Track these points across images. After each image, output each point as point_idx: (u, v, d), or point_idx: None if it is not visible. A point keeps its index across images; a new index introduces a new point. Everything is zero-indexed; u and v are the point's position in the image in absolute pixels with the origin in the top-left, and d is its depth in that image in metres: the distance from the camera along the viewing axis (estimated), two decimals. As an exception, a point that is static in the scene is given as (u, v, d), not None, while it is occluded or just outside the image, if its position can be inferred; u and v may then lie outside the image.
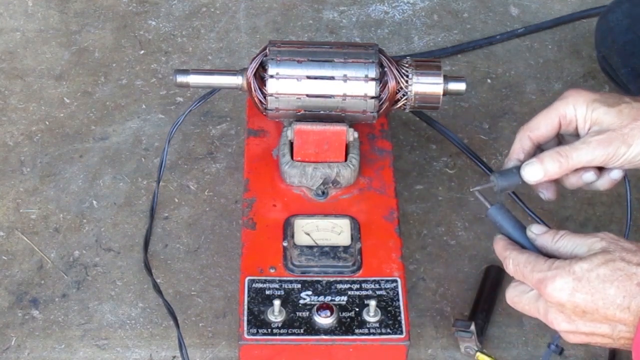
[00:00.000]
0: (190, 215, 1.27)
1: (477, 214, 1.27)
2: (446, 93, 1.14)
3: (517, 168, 1.02)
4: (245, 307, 1.02)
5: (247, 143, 1.20)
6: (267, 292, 1.04)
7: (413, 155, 1.34)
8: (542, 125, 1.03)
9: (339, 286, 1.04)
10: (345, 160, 1.14)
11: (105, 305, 1.18)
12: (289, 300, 1.03)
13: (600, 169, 1.02)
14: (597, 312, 0.88)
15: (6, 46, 1.48)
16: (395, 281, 1.05)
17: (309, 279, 1.05)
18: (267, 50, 1.12)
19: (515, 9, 1.56)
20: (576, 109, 1.01)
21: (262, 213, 1.12)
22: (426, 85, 1.13)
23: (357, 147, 1.14)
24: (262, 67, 1.12)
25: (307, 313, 1.02)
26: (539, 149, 1.04)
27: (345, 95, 1.11)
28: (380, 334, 1.01)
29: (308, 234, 1.09)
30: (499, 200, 0.99)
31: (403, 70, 1.13)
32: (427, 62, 1.15)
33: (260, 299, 1.03)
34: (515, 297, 0.94)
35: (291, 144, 1.14)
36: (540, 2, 1.57)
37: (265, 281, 1.05)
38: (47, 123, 1.37)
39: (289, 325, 1.01)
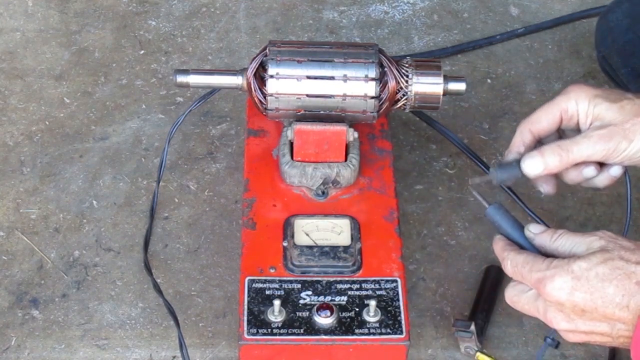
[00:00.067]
0: (190, 215, 1.27)
1: (477, 214, 1.27)
2: (446, 93, 1.14)
3: (517, 161, 1.02)
4: (245, 307, 1.02)
5: (247, 143, 1.20)
6: (267, 292, 1.04)
7: (413, 155, 1.34)
8: (544, 119, 1.03)
9: (339, 286, 1.04)
10: (345, 160, 1.14)
11: (105, 305, 1.18)
12: (289, 300, 1.03)
13: (601, 165, 1.02)
14: (596, 310, 0.88)
15: (6, 46, 1.48)
16: (395, 281, 1.05)
17: (309, 279, 1.05)
18: (267, 50, 1.12)
19: (515, 9, 1.56)
20: (578, 104, 1.01)
21: (262, 213, 1.12)
22: (426, 85, 1.13)
23: (357, 147, 1.14)
24: (262, 67, 1.12)
25: (307, 313, 1.02)
26: (539, 143, 1.04)
27: (345, 95, 1.11)
28: (380, 334, 1.01)
29: (308, 234, 1.09)
30: (497, 199, 0.99)
31: (403, 70, 1.13)
32: (427, 62, 1.15)
33: (260, 299, 1.03)
34: (514, 296, 0.94)
35: (291, 144, 1.14)
36: (540, 2, 1.57)
37: (265, 281, 1.05)
38: (47, 123, 1.37)
39: (289, 325, 1.01)
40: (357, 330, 1.01)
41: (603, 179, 1.04)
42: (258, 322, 1.01)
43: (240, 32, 1.51)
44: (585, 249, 0.90)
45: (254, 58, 1.13)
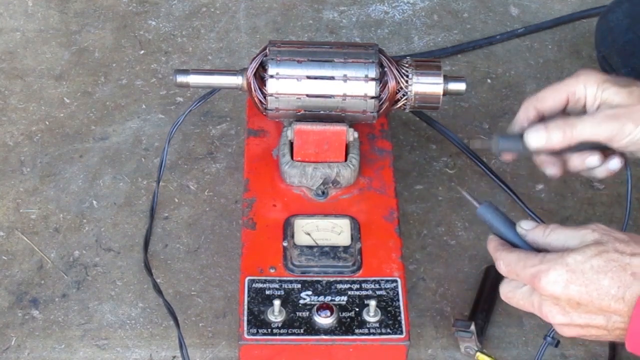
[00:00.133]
0: (190, 215, 1.27)
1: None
2: (446, 93, 1.14)
3: (521, 134, 1.01)
4: (245, 307, 1.02)
5: (247, 143, 1.20)
6: (267, 292, 1.04)
7: (413, 155, 1.34)
8: (550, 99, 1.03)
9: (339, 286, 1.04)
10: (345, 160, 1.14)
11: (105, 305, 1.18)
12: (289, 300, 1.03)
13: (604, 155, 1.02)
14: (591, 303, 0.88)
15: (6, 46, 1.48)
16: (395, 281, 1.05)
17: (309, 279, 1.05)
18: (267, 50, 1.12)
19: (515, 9, 1.56)
20: (586, 87, 1.00)
21: (262, 213, 1.12)
22: (426, 85, 1.13)
23: (357, 147, 1.14)
24: (262, 67, 1.12)
25: (307, 313, 1.02)
26: (542, 121, 1.04)
27: (345, 95, 1.11)
28: (380, 334, 1.01)
29: (308, 234, 1.09)
30: (487, 199, 0.99)
31: (403, 70, 1.13)
32: (427, 62, 1.15)
33: (260, 299, 1.03)
34: (509, 292, 0.94)
35: (291, 144, 1.14)
36: (540, 2, 1.57)
37: (265, 281, 1.05)
38: (47, 123, 1.37)
39: (289, 325, 1.01)
40: (357, 330, 1.01)
41: (602, 170, 1.04)
42: (258, 322, 1.01)
43: (240, 32, 1.51)
44: (578, 243, 0.90)
45: (254, 58, 1.13)
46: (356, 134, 1.13)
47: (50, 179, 1.30)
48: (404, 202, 1.27)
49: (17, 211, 1.27)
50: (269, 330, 1.00)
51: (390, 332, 1.01)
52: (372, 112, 1.13)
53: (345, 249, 1.07)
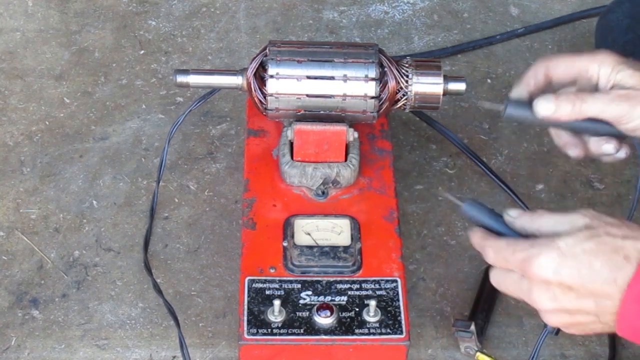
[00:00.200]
0: (190, 215, 1.27)
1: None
2: (446, 93, 1.14)
3: (530, 102, 1.01)
4: (245, 307, 1.02)
5: (247, 143, 1.20)
6: (267, 292, 1.04)
7: (413, 155, 1.34)
8: (562, 67, 1.02)
9: (339, 286, 1.04)
10: (345, 160, 1.14)
11: (105, 305, 1.18)
12: (289, 300, 1.03)
13: (620, 143, 1.02)
14: (583, 287, 0.87)
15: (6, 46, 1.48)
16: (395, 281, 1.05)
17: (309, 279, 1.05)
18: (267, 50, 1.12)
19: (515, 9, 1.56)
20: (601, 67, 1.00)
21: (262, 213, 1.12)
22: (426, 85, 1.13)
23: (357, 147, 1.14)
24: (262, 67, 1.12)
25: (307, 313, 1.02)
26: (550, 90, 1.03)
27: (345, 95, 1.11)
28: (380, 334, 1.01)
29: (308, 234, 1.09)
30: (467, 198, 0.99)
31: (403, 70, 1.13)
32: (427, 62, 1.15)
33: (260, 299, 1.03)
34: (499, 277, 0.93)
35: (291, 144, 1.14)
36: (540, 2, 1.57)
37: (265, 281, 1.05)
38: (47, 123, 1.37)
39: (289, 325, 1.01)
40: (357, 330, 1.01)
41: (608, 158, 1.04)
42: (258, 322, 1.01)
43: (240, 32, 1.51)
44: (569, 227, 0.89)
45: (254, 58, 1.13)
46: (356, 134, 1.13)
47: (50, 179, 1.30)
48: (404, 202, 1.27)
49: (17, 211, 1.27)
50: (269, 330, 1.00)
51: (390, 332, 1.01)
52: (372, 112, 1.13)
53: (345, 249, 1.07)
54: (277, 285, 1.04)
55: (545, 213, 0.92)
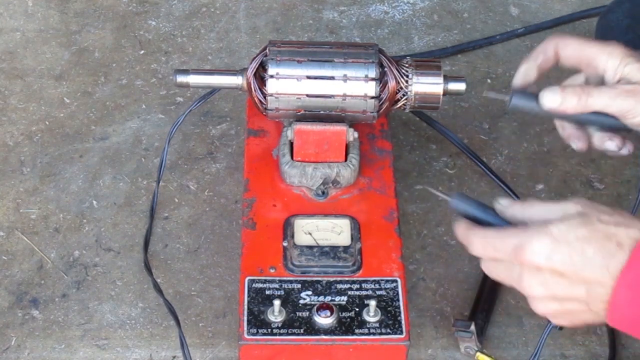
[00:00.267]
0: (190, 215, 1.27)
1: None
2: (446, 93, 1.14)
3: (537, 94, 1.01)
4: (245, 307, 1.02)
5: (247, 143, 1.20)
6: (267, 292, 1.04)
7: (413, 155, 1.34)
8: (571, 49, 1.02)
9: (339, 286, 1.04)
10: (345, 160, 1.14)
11: (105, 305, 1.18)
12: (289, 300, 1.03)
13: (623, 140, 1.02)
14: (575, 273, 0.86)
15: (6, 46, 1.48)
16: (395, 281, 1.05)
17: (309, 279, 1.05)
18: (267, 50, 1.12)
19: (515, 9, 1.56)
20: (609, 59, 1.00)
21: (262, 213, 1.12)
22: (426, 85, 1.13)
23: (357, 147, 1.14)
24: (262, 67, 1.12)
25: (307, 313, 1.02)
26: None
27: (345, 95, 1.11)
28: (380, 334, 1.01)
29: (308, 234, 1.09)
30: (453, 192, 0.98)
31: (403, 70, 1.13)
32: (427, 62, 1.15)
33: (260, 299, 1.03)
34: (489, 266, 0.93)
35: (291, 144, 1.14)
36: (540, 2, 1.57)
37: (265, 281, 1.05)
38: (47, 123, 1.37)
39: (289, 325, 1.01)
40: (357, 330, 1.01)
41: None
42: (258, 322, 1.01)
43: (240, 32, 1.51)
44: (560, 215, 0.88)
45: (254, 58, 1.13)
46: (356, 134, 1.13)
47: (50, 179, 1.30)
48: (404, 202, 1.27)
49: (17, 211, 1.27)
50: (269, 330, 1.00)
51: (390, 332, 1.01)
52: (372, 112, 1.13)
53: (345, 249, 1.07)
54: (277, 285, 1.04)
55: (536, 202, 0.92)
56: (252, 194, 1.14)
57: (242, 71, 1.14)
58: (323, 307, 1.02)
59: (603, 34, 1.39)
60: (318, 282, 1.05)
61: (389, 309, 1.02)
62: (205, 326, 1.16)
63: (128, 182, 1.30)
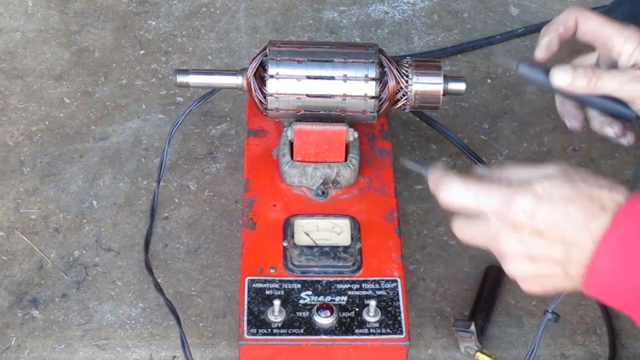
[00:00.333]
0: (190, 215, 1.27)
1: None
2: (446, 93, 1.14)
3: (547, 69, 1.02)
4: (245, 307, 1.02)
5: (247, 143, 1.20)
6: (267, 292, 1.04)
7: (413, 155, 1.34)
8: (590, 25, 1.02)
9: (339, 286, 1.04)
10: (345, 160, 1.14)
11: (105, 305, 1.18)
12: (289, 300, 1.03)
13: (624, 127, 1.02)
14: (555, 232, 0.85)
15: (6, 46, 1.48)
16: (395, 281, 1.05)
17: (309, 279, 1.05)
18: (267, 50, 1.12)
19: (515, 9, 1.56)
20: (626, 42, 1.00)
21: (262, 213, 1.12)
22: (426, 85, 1.13)
23: (357, 147, 1.14)
24: (262, 67, 1.12)
25: (307, 313, 1.02)
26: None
27: (345, 95, 1.11)
28: (380, 334, 1.01)
29: (308, 234, 1.09)
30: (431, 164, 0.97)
31: (403, 70, 1.13)
32: (427, 62, 1.15)
33: (260, 299, 1.03)
34: (463, 224, 0.91)
35: (291, 144, 1.14)
36: (540, 2, 1.57)
37: (265, 281, 1.05)
38: (47, 123, 1.37)
39: (289, 325, 1.01)
40: (357, 330, 1.01)
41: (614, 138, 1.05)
42: (258, 322, 1.01)
43: (240, 32, 1.51)
44: (544, 175, 0.88)
45: (254, 58, 1.13)
46: (356, 134, 1.13)
47: (50, 179, 1.30)
48: (404, 202, 1.27)
49: (17, 211, 1.27)
50: (269, 330, 1.00)
51: (390, 332, 1.01)
52: (372, 112, 1.13)
53: (345, 249, 1.07)
54: (277, 285, 1.04)
55: (517, 166, 0.91)
56: (252, 194, 1.14)
57: (242, 71, 1.14)
58: (323, 307, 1.02)
59: (603, 34, 1.39)
60: (318, 282, 1.05)
61: (389, 309, 1.02)
62: (205, 326, 1.16)
63: (128, 182, 1.30)
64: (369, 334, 1.01)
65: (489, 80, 1.45)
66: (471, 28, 1.53)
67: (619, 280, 0.84)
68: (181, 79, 1.15)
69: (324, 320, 1.01)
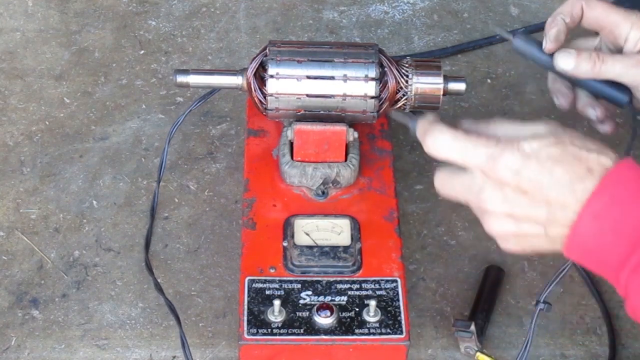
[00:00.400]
0: (190, 215, 1.27)
1: (477, 214, 1.27)
2: (446, 93, 1.14)
3: (540, 43, 1.03)
4: (245, 307, 1.02)
5: (247, 143, 1.20)
6: (267, 292, 1.04)
7: (413, 155, 1.34)
8: (596, 11, 1.02)
9: (339, 286, 1.04)
10: (345, 160, 1.14)
11: (105, 305, 1.18)
12: (289, 300, 1.03)
13: (605, 114, 1.03)
14: (539, 191, 0.84)
15: (6, 46, 1.48)
16: (395, 281, 1.05)
17: (309, 279, 1.05)
18: (267, 50, 1.12)
19: (515, 9, 1.56)
20: (632, 29, 1.00)
21: (262, 213, 1.12)
22: (426, 85, 1.13)
23: (357, 147, 1.14)
24: (262, 67, 1.12)
25: (307, 313, 1.02)
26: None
27: (345, 95, 1.11)
28: (380, 334, 1.01)
29: (308, 234, 1.09)
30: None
31: (403, 70, 1.13)
32: (427, 62, 1.15)
33: (260, 299, 1.03)
34: (446, 177, 0.91)
35: (291, 144, 1.14)
36: (540, 2, 1.57)
37: (265, 281, 1.05)
38: (47, 123, 1.37)
39: (289, 325, 1.01)
40: (357, 330, 1.01)
41: (595, 123, 1.05)
42: (258, 322, 1.01)
43: (240, 32, 1.51)
44: (532, 133, 0.87)
45: (254, 58, 1.13)
46: (356, 134, 1.13)
47: (50, 179, 1.30)
48: (404, 202, 1.27)
49: (17, 211, 1.27)
50: (269, 330, 1.00)
51: (390, 332, 1.01)
52: (372, 112, 1.13)
53: (345, 249, 1.07)
54: (277, 285, 1.04)
55: (504, 120, 0.90)
56: (252, 194, 1.14)
57: (242, 71, 1.14)
58: (323, 307, 1.02)
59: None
60: (318, 282, 1.05)
61: (389, 309, 1.02)
62: (205, 326, 1.16)
63: (128, 182, 1.30)
64: (369, 334, 1.01)
65: (489, 80, 1.45)
66: (471, 28, 1.53)
67: (601, 245, 0.83)
68: (181, 79, 1.15)
69: (324, 320, 1.01)
